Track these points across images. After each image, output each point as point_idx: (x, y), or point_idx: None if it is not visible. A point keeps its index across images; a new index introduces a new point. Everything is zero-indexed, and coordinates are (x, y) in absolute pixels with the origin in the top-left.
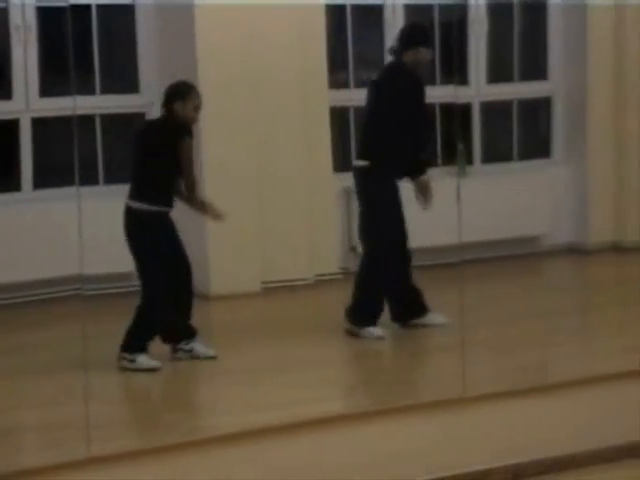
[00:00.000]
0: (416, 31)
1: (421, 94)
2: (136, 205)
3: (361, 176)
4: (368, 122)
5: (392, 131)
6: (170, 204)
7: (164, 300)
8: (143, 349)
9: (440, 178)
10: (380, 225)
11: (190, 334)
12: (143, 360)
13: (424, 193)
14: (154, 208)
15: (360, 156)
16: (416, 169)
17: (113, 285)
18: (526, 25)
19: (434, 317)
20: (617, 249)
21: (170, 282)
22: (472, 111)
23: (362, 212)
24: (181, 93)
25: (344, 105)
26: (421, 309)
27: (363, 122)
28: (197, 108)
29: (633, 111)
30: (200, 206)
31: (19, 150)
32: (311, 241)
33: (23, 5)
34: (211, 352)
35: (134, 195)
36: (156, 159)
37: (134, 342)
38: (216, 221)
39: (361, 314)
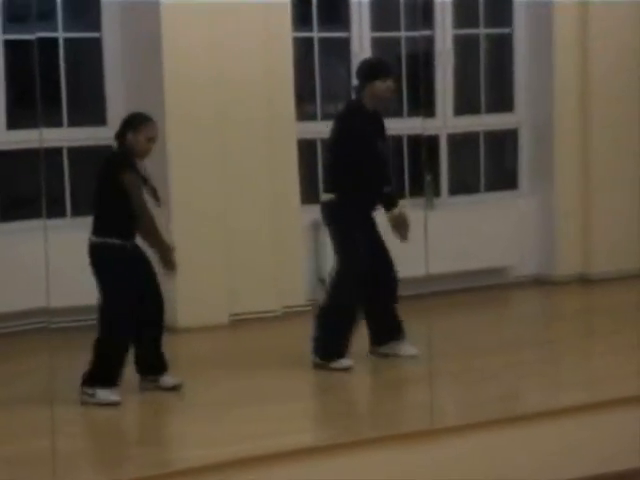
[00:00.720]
0: (371, 65)
1: (379, 129)
2: (94, 239)
3: (327, 210)
4: (331, 157)
5: (353, 166)
6: (128, 237)
7: (122, 333)
8: (104, 383)
9: (407, 210)
10: (343, 258)
11: (161, 368)
12: (102, 394)
13: (400, 226)
14: (111, 241)
15: (326, 190)
16: (387, 203)
17: (80, 318)
18: (492, 57)
19: (407, 348)
20: (584, 280)
21: (131, 316)
22: (439, 143)
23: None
24: (133, 124)
25: (311, 137)
26: (397, 334)
27: (327, 156)
28: (151, 140)
29: (599, 143)
30: (157, 246)
31: None
32: (279, 273)
33: None
34: (175, 380)
35: (94, 229)
36: (104, 192)
37: (94, 376)
38: (167, 269)
39: (327, 347)
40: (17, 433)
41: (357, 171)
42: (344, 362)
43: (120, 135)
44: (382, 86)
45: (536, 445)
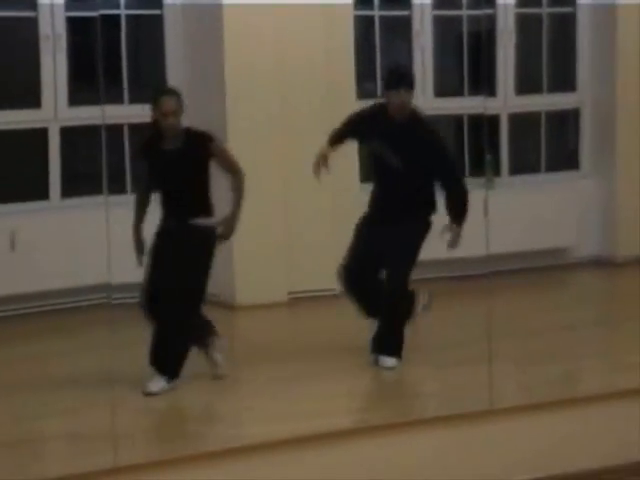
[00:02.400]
0: (392, 75)
1: (396, 140)
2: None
3: None
4: None
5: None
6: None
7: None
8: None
9: (468, 189)
10: None
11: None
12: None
13: (453, 240)
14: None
15: None
16: (458, 214)
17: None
18: (554, 36)
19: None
20: None
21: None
22: (500, 122)
23: None
24: (152, 100)
25: None
26: None
27: None
28: (165, 114)
29: None
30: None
31: (47, 159)
32: (338, 252)
33: (53, 14)
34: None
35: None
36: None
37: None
38: (226, 236)
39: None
40: (78, 408)
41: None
42: None
43: (152, 119)
44: (396, 97)
45: (593, 428)
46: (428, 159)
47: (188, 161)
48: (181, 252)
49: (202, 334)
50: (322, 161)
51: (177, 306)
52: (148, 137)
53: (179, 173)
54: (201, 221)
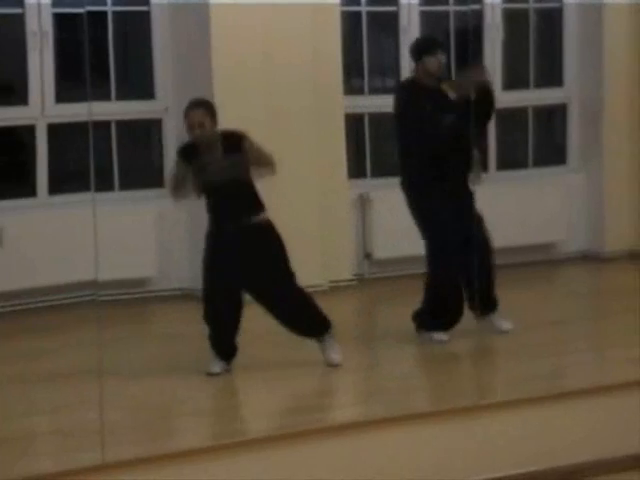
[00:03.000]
0: (419, 43)
1: (444, 105)
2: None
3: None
4: (398, 138)
5: (415, 143)
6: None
7: None
8: None
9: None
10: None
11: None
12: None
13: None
14: None
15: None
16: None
17: (128, 291)
18: (541, 31)
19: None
20: (634, 256)
21: None
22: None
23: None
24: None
25: (359, 112)
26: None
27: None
28: (191, 127)
29: None
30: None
31: (35, 156)
32: (325, 248)
33: (39, 11)
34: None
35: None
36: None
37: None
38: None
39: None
40: (66, 405)
41: (419, 149)
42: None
43: None
44: (431, 62)
45: (582, 422)
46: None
47: (230, 165)
48: (262, 250)
49: (315, 324)
50: None
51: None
52: (185, 143)
53: (225, 179)
54: (260, 217)
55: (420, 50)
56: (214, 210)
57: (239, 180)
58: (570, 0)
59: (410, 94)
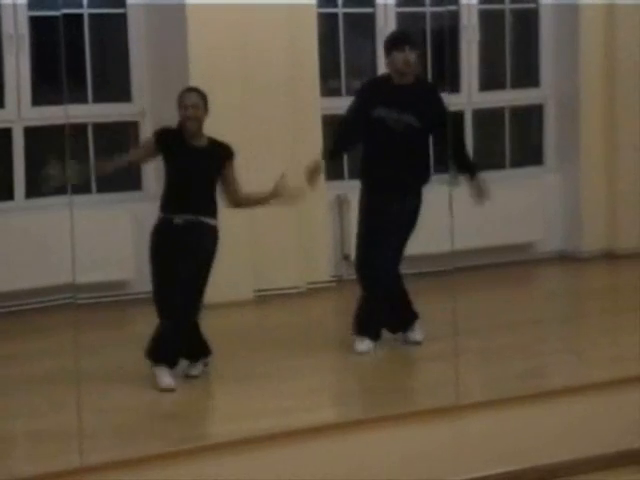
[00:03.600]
0: (389, 37)
1: (404, 103)
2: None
3: None
4: None
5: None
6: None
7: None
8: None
9: (433, 185)
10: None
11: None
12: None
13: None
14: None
15: None
16: (472, 166)
17: (106, 294)
18: (518, 32)
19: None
20: (610, 256)
21: None
22: (464, 119)
23: None
24: (178, 99)
25: (336, 113)
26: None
27: None
28: (186, 107)
29: (626, 117)
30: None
31: (11, 159)
32: (303, 249)
33: (15, 14)
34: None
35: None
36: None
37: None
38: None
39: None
40: (43, 409)
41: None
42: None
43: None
44: (398, 57)
45: (561, 421)
46: (434, 119)
47: (211, 161)
48: (196, 246)
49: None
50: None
51: (190, 298)
52: (167, 127)
53: (201, 171)
54: (212, 220)
55: (388, 45)
56: (172, 199)
57: (210, 180)
58: (546, 1)
59: (363, 89)
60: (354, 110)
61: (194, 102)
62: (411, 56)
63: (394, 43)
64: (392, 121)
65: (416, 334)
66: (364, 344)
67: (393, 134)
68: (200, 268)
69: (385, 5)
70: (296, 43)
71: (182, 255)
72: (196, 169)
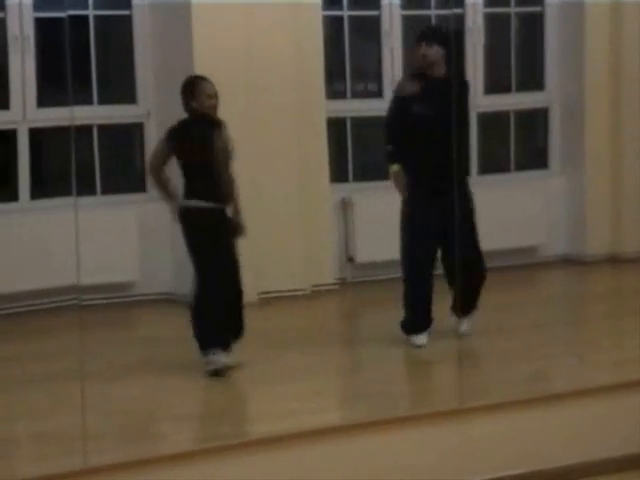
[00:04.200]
0: (419, 31)
1: (431, 95)
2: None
3: None
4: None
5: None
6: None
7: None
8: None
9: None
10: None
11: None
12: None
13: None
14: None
15: None
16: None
17: (110, 295)
18: (523, 35)
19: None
20: (614, 260)
21: None
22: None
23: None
24: (191, 90)
25: (341, 116)
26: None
27: None
28: (210, 96)
29: (630, 121)
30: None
31: (16, 160)
32: (308, 252)
33: (21, 15)
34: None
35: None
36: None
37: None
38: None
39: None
40: (48, 410)
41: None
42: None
43: (185, 105)
44: (422, 50)
45: (566, 425)
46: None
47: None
48: (226, 231)
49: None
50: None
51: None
52: (178, 122)
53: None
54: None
55: (417, 39)
56: (192, 188)
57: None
58: (552, 0)
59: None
60: (395, 108)
61: (215, 92)
62: (428, 51)
63: (419, 37)
64: (430, 115)
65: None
66: (421, 338)
67: (434, 127)
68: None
69: (390, 7)
70: (301, 45)
71: (223, 237)
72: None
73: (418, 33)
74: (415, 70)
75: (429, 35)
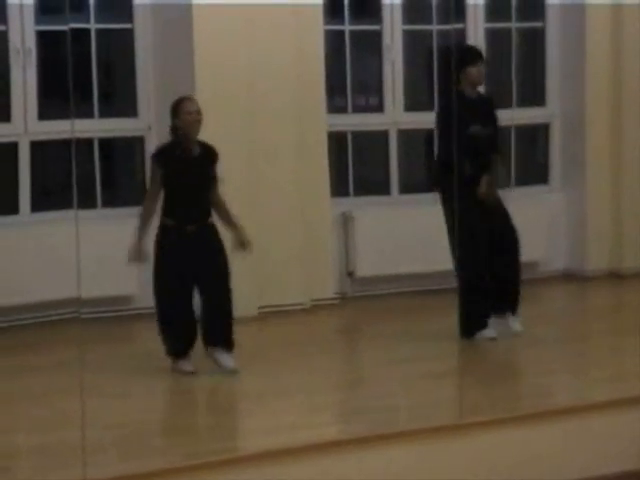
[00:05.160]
0: (470, 51)
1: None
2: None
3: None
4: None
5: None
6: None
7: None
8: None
9: (436, 204)
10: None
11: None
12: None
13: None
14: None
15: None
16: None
17: (111, 309)
18: (524, 51)
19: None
20: (614, 276)
21: None
22: None
23: None
24: (173, 110)
25: (342, 130)
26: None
27: None
28: (190, 113)
29: (631, 137)
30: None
31: (17, 173)
32: (308, 266)
33: (23, 28)
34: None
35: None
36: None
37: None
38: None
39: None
40: (48, 423)
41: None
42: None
43: (171, 128)
44: (474, 72)
45: (564, 441)
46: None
47: (208, 167)
48: (215, 246)
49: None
50: None
51: (226, 286)
52: (163, 145)
53: (202, 178)
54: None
55: (463, 62)
56: (177, 210)
57: (210, 185)
58: (552, 15)
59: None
60: (447, 128)
61: (198, 108)
62: (481, 70)
63: (469, 57)
64: (484, 134)
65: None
66: (491, 331)
67: (484, 145)
68: (225, 259)
69: (392, 22)
70: (302, 60)
71: (205, 255)
72: (197, 176)
73: (470, 53)
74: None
75: (479, 55)
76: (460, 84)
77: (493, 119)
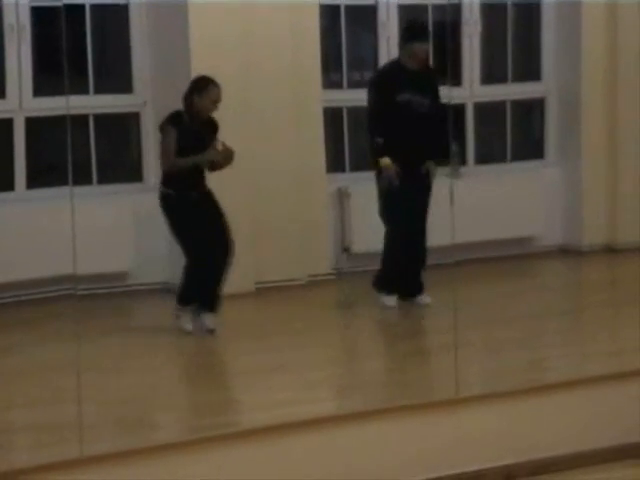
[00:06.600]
0: (410, 28)
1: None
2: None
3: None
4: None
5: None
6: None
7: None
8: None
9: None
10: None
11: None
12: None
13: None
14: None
15: None
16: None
17: (106, 285)
18: (519, 26)
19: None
20: (610, 250)
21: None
22: (466, 112)
23: None
24: (198, 87)
25: (337, 105)
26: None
27: None
28: (215, 102)
29: (627, 112)
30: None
31: (12, 150)
32: (304, 242)
33: (17, 5)
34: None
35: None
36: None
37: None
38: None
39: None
40: (44, 399)
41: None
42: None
43: (186, 98)
44: (418, 48)
45: (561, 415)
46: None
47: (210, 137)
48: (220, 211)
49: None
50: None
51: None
52: (174, 112)
53: (203, 148)
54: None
55: (408, 35)
56: (183, 177)
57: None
58: None
59: (382, 77)
60: (378, 99)
61: (220, 99)
62: (421, 51)
63: (415, 34)
64: (417, 104)
65: (425, 298)
66: (392, 300)
67: (418, 116)
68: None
69: None
70: (298, 35)
71: (211, 217)
72: (199, 147)
73: (407, 31)
74: (399, 60)
75: (420, 34)
76: (402, 57)
77: (434, 93)
